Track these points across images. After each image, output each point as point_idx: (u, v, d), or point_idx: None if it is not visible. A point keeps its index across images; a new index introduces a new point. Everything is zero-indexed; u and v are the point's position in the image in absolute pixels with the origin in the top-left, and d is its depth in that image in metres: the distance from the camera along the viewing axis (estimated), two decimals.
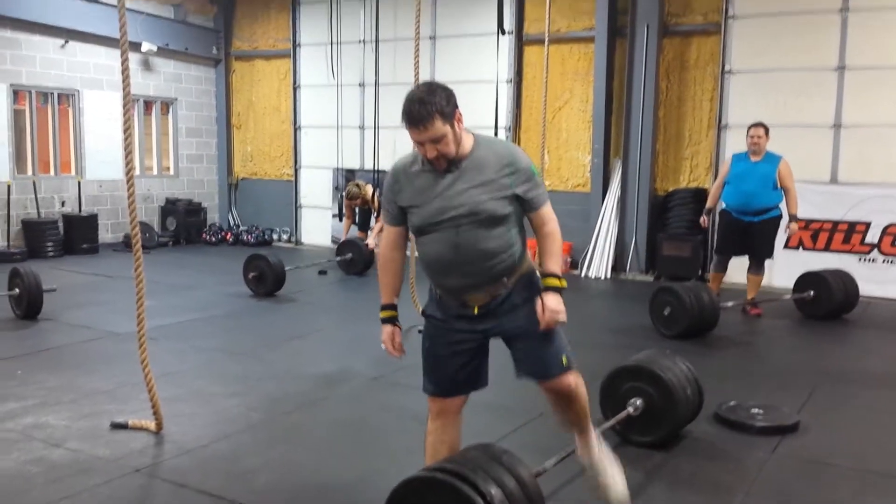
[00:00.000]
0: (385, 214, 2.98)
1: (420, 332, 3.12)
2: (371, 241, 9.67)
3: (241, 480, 3.68)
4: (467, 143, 2.80)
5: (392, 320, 3.02)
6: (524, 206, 2.85)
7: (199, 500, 3.48)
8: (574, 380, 3.00)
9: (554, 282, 2.86)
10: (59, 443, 4.10)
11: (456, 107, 2.74)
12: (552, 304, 2.82)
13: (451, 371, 2.96)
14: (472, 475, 2.60)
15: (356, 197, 9.71)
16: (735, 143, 9.12)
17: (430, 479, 2.65)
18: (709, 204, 7.71)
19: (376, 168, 11.53)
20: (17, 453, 3.96)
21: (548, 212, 2.90)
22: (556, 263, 2.89)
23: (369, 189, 9.80)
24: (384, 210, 2.99)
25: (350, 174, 12.08)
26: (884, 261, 8.74)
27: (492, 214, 2.77)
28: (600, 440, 3.29)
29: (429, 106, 2.66)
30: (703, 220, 7.77)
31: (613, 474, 3.21)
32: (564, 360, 2.94)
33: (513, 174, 2.78)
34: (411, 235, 3.00)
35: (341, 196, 12.01)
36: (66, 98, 11.41)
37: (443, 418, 3.01)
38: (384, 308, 3.03)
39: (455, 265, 2.82)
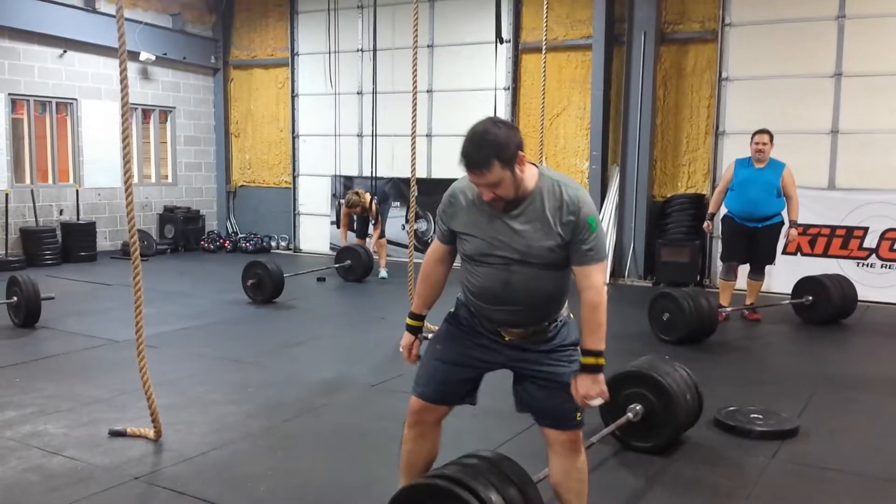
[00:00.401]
0: (437, 229, 2.89)
1: (427, 338, 3.05)
2: (371, 246, 9.74)
3: (240, 488, 3.67)
4: (530, 181, 2.62)
5: (417, 331, 2.96)
6: (572, 259, 2.66)
7: None
8: (580, 437, 2.88)
9: (591, 360, 2.67)
10: (57, 451, 4.09)
11: (519, 148, 2.54)
12: (585, 388, 2.65)
13: (453, 380, 2.86)
14: (472, 482, 2.58)
15: (356, 205, 9.72)
16: (732, 149, 9.15)
17: (430, 486, 2.64)
18: (711, 209, 7.70)
19: (374, 175, 11.57)
20: (15, 462, 3.94)
21: (596, 275, 2.65)
22: (598, 339, 2.67)
23: (368, 197, 9.83)
24: (437, 223, 2.89)
25: (348, 181, 12.10)
26: (882, 265, 8.76)
27: (545, 260, 2.64)
28: None
29: (486, 150, 2.48)
30: (707, 224, 7.75)
31: None
32: (579, 416, 2.80)
33: (569, 223, 2.59)
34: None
35: (339, 203, 12.04)
36: (65, 107, 11.43)
37: (421, 427, 2.91)
38: (413, 317, 2.97)
39: (502, 301, 2.71)
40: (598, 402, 2.67)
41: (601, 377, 2.69)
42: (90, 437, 4.29)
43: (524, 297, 2.68)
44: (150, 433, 4.24)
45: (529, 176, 2.62)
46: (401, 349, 2.98)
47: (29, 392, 5.09)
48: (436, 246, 2.90)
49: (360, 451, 4.18)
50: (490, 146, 2.49)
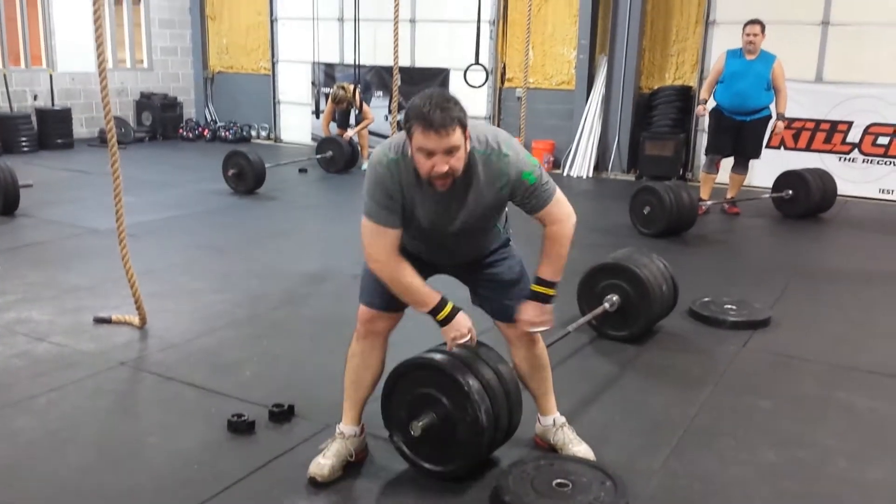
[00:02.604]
0: (383, 217, 2.53)
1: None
2: (350, 133, 9.59)
3: (226, 373, 3.75)
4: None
5: (457, 309, 2.66)
6: (526, 210, 2.62)
7: (185, 391, 3.56)
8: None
9: (541, 290, 2.69)
10: (42, 337, 4.14)
11: (467, 120, 2.44)
12: (528, 315, 2.71)
13: None
14: (470, 364, 2.72)
15: (342, 101, 9.47)
16: (722, 40, 8.97)
17: (431, 363, 2.75)
18: (703, 95, 7.46)
19: (357, 63, 11.27)
20: (0, 348, 4.00)
21: (555, 210, 2.61)
22: (552, 270, 2.67)
23: (352, 89, 9.58)
24: (380, 212, 2.53)
25: (329, 69, 11.80)
26: (864, 160, 8.79)
27: (483, 227, 2.69)
28: (565, 422, 3.04)
29: (451, 112, 2.35)
30: (700, 108, 7.52)
31: (579, 450, 2.93)
32: None
33: (505, 188, 2.54)
34: None
35: (318, 92, 11.79)
36: None
37: (371, 339, 2.83)
38: (441, 306, 2.61)
39: (440, 257, 2.79)
40: (541, 329, 2.74)
41: (549, 307, 2.74)
42: (75, 323, 4.34)
43: (463, 255, 2.76)
44: (135, 320, 4.29)
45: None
46: (462, 339, 2.65)
47: (11, 279, 5.10)
48: (386, 240, 2.56)
49: (344, 338, 4.23)
50: (454, 109, 2.37)
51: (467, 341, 2.67)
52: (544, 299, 2.72)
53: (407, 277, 2.60)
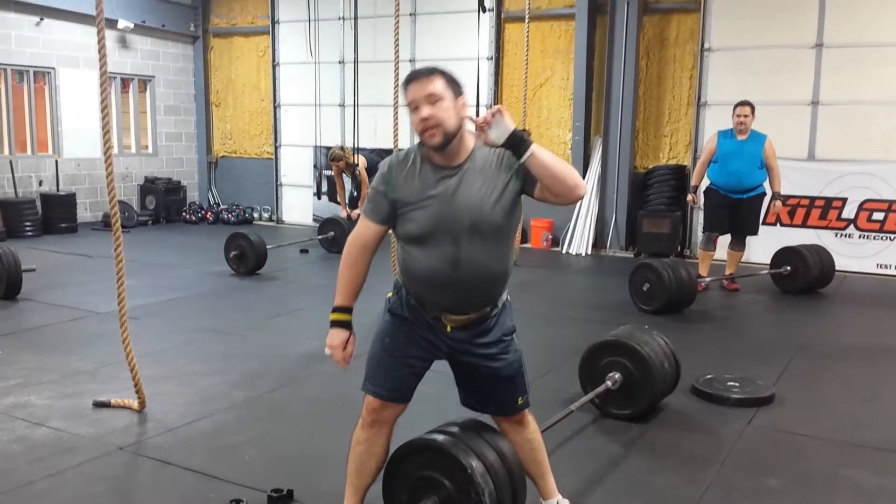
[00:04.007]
0: (368, 208, 2.65)
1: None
2: (356, 212, 9.58)
3: (224, 457, 3.71)
4: (469, 143, 2.58)
5: (347, 325, 2.73)
6: (536, 188, 2.55)
7: (184, 476, 3.51)
8: (527, 413, 2.89)
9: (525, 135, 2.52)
10: (41, 422, 4.10)
11: (463, 92, 2.57)
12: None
13: (404, 375, 2.74)
14: (470, 445, 2.67)
15: (339, 159, 9.45)
16: (714, 120, 9.19)
17: (433, 445, 2.71)
18: (694, 181, 7.69)
19: (356, 147, 11.51)
20: None
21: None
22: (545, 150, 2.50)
23: (353, 157, 9.55)
24: (368, 202, 2.66)
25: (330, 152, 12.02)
26: (860, 236, 8.87)
27: (496, 225, 2.55)
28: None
29: (432, 68, 2.55)
30: (691, 197, 7.74)
31: None
32: (520, 400, 2.82)
33: (512, 165, 2.54)
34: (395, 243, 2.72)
35: (319, 174, 11.99)
36: (42, 76, 11.26)
37: (378, 427, 2.77)
38: (339, 310, 2.72)
39: (450, 284, 2.57)
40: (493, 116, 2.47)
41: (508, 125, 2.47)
42: (74, 408, 4.31)
43: (472, 277, 2.57)
44: (135, 404, 4.26)
45: (468, 139, 2.59)
46: (328, 351, 2.74)
47: (12, 364, 5.09)
48: (365, 228, 2.67)
49: (344, 419, 4.20)
50: (437, 68, 2.54)
51: (331, 356, 2.73)
52: (519, 135, 2.48)
53: (347, 272, 2.71)
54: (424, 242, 2.57)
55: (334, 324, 2.74)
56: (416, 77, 2.53)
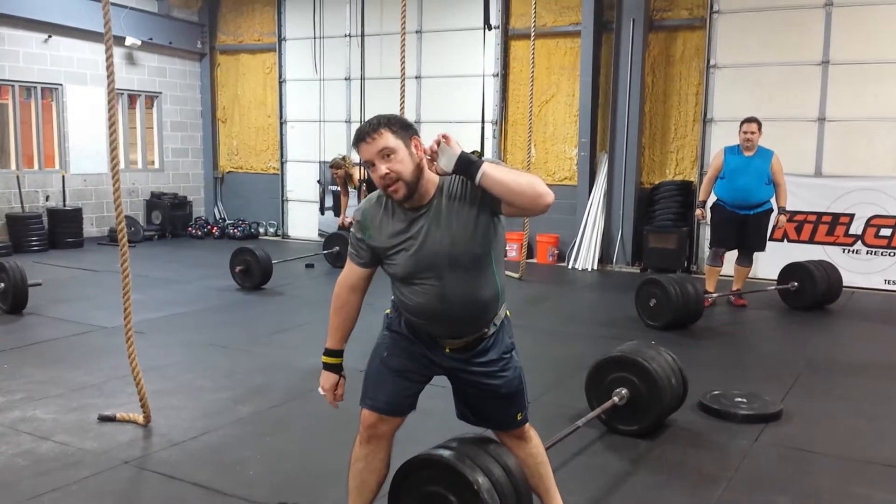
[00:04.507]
0: (352, 253, 2.69)
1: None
2: (347, 219, 9.60)
3: (229, 472, 3.69)
4: (434, 178, 2.53)
5: (337, 369, 2.80)
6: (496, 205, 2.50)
7: (189, 491, 3.50)
8: (528, 428, 2.88)
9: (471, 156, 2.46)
10: (46, 436, 4.09)
11: (414, 133, 2.51)
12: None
13: (401, 389, 2.74)
14: (475, 461, 2.65)
15: (339, 167, 9.50)
16: (720, 137, 9.20)
17: (439, 460, 2.69)
18: (702, 196, 7.66)
19: (362, 162, 11.57)
20: (4, 447, 3.95)
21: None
22: (494, 164, 2.45)
23: (353, 168, 9.52)
24: (350, 247, 2.69)
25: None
26: (867, 252, 8.84)
27: (475, 256, 2.54)
28: None
29: (375, 122, 2.47)
30: (699, 213, 7.70)
31: None
32: (519, 416, 2.81)
33: (478, 189, 2.48)
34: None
35: (323, 190, 12.03)
36: (50, 92, 11.34)
37: (375, 442, 2.77)
38: (330, 353, 2.79)
39: (439, 316, 2.59)
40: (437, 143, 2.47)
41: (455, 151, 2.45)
42: (79, 422, 4.31)
43: (461, 309, 2.58)
44: (140, 418, 4.26)
45: (432, 176, 2.53)
46: (321, 391, 2.81)
47: (17, 378, 5.09)
48: (350, 271, 2.71)
49: (349, 435, 4.18)
50: (382, 119, 2.48)
51: (324, 397, 2.83)
52: (465, 158, 2.43)
53: (336, 316, 2.77)
54: (409, 281, 2.60)
55: (325, 366, 2.81)
56: (363, 136, 2.48)
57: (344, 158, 9.67)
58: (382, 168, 2.45)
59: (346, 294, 2.74)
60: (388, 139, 2.45)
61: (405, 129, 2.50)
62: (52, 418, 4.36)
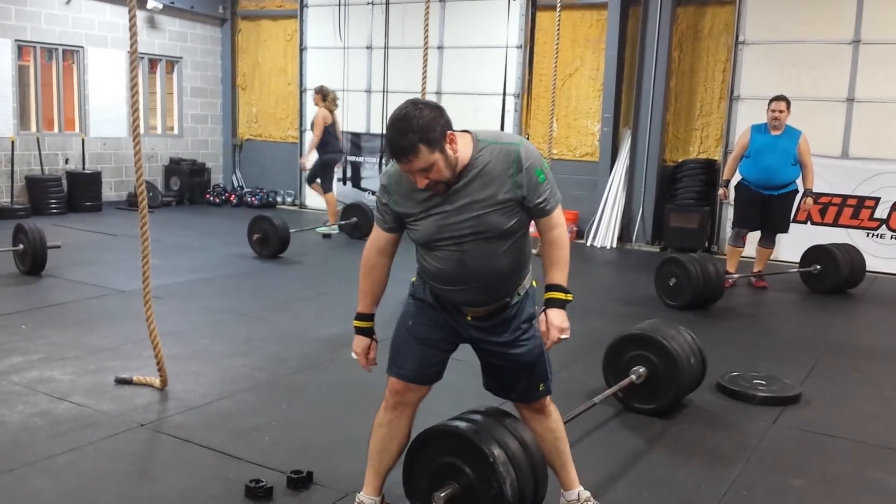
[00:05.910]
0: (378, 218, 2.69)
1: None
2: (303, 160, 9.71)
3: (245, 437, 3.70)
4: (466, 152, 2.49)
5: (369, 332, 2.80)
6: (532, 214, 2.58)
7: (204, 455, 3.51)
8: (547, 401, 2.87)
9: (559, 295, 2.59)
10: (63, 397, 4.12)
11: (447, 128, 2.43)
12: (557, 322, 2.57)
13: (426, 357, 2.75)
14: (492, 433, 2.63)
15: (325, 96, 9.47)
16: (747, 115, 9.04)
17: (454, 431, 2.68)
18: (726, 175, 7.53)
19: (383, 133, 11.47)
20: (21, 406, 3.98)
21: (556, 217, 2.59)
22: (562, 274, 2.61)
23: (330, 96, 9.51)
24: (376, 212, 2.70)
25: (356, 138, 12.01)
26: (892, 237, 8.70)
27: (497, 229, 2.52)
28: (590, 497, 2.98)
29: (410, 136, 2.35)
30: (723, 191, 7.59)
31: None
32: (542, 387, 2.80)
33: (516, 183, 2.49)
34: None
35: (344, 160, 11.97)
36: (71, 55, 11.31)
37: (400, 409, 2.78)
38: (361, 317, 2.79)
39: (459, 282, 2.60)
40: (566, 336, 2.60)
41: (565, 313, 2.63)
42: (96, 384, 4.33)
43: (481, 277, 2.58)
44: (156, 382, 4.27)
45: (464, 147, 2.49)
46: (354, 355, 2.82)
47: (35, 339, 5.12)
48: (377, 235, 2.72)
49: (365, 404, 4.19)
50: (414, 131, 2.36)
51: (357, 360, 2.82)
52: (565, 304, 2.62)
53: (365, 280, 2.77)
54: (430, 247, 2.61)
55: (357, 330, 2.81)
56: (398, 156, 2.42)
57: (335, 101, 9.51)
58: (422, 181, 2.46)
59: (374, 258, 2.74)
60: (425, 157, 2.39)
61: (438, 131, 2.40)
62: (70, 380, 4.39)
